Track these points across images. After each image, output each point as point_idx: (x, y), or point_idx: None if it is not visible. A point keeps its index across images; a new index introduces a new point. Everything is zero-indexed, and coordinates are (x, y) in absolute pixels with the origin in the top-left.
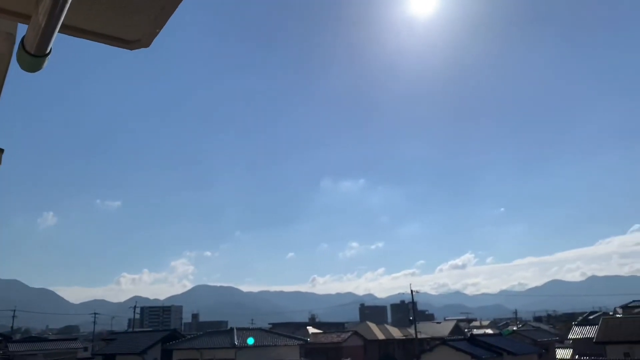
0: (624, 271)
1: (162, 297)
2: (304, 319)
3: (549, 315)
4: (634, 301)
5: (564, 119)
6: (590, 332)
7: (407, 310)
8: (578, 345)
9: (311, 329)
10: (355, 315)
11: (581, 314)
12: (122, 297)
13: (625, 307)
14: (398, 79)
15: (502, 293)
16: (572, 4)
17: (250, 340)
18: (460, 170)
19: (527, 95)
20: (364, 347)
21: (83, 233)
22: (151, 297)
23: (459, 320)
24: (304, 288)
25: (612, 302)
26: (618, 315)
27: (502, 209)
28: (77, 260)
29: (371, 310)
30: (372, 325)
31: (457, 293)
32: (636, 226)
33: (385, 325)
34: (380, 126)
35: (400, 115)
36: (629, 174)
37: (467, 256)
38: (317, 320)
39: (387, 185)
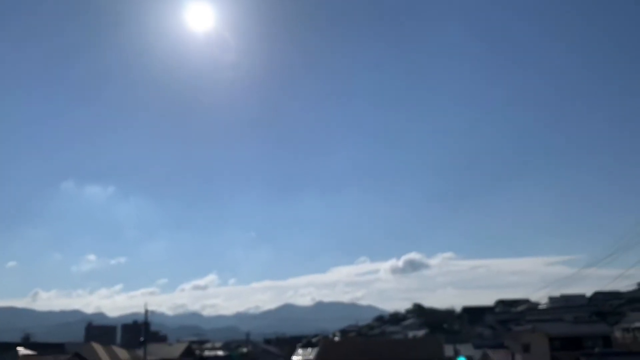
0: (346, 298)
1: None
2: (17, 338)
3: (277, 338)
4: (349, 325)
5: (314, 153)
6: (311, 353)
7: (139, 331)
8: None
9: (22, 350)
10: (80, 336)
11: (306, 336)
12: None
13: (342, 331)
14: (166, 91)
15: (238, 315)
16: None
17: None
18: (217, 191)
19: (285, 124)
20: None
21: None
22: None
23: (191, 342)
24: (20, 303)
25: (334, 326)
26: (336, 338)
27: (253, 233)
28: None
29: (99, 331)
30: (97, 347)
31: (194, 314)
32: (362, 258)
33: (113, 346)
34: (140, 133)
35: (162, 125)
36: (363, 210)
37: (211, 277)
38: (32, 340)
39: (139, 196)
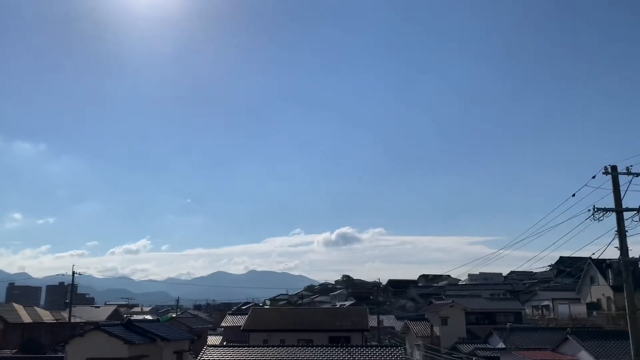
0: (279, 268)
1: None
2: None
3: (208, 304)
4: (280, 294)
5: (254, 123)
6: (240, 320)
7: (65, 292)
8: (228, 333)
9: None
10: (1, 296)
11: (237, 304)
12: None
13: (273, 299)
14: (104, 48)
15: (169, 281)
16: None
17: None
18: (154, 155)
19: (227, 92)
20: (4, 330)
21: None
22: None
23: (120, 305)
24: None
25: (266, 294)
26: (266, 307)
27: (189, 200)
28: None
29: (22, 291)
30: (18, 307)
31: (124, 278)
32: (297, 230)
33: (36, 307)
34: (78, 92)
35: (101, 85)
36: (301, 183)
37: (144, 242)
38: None
39: (73, 156)
